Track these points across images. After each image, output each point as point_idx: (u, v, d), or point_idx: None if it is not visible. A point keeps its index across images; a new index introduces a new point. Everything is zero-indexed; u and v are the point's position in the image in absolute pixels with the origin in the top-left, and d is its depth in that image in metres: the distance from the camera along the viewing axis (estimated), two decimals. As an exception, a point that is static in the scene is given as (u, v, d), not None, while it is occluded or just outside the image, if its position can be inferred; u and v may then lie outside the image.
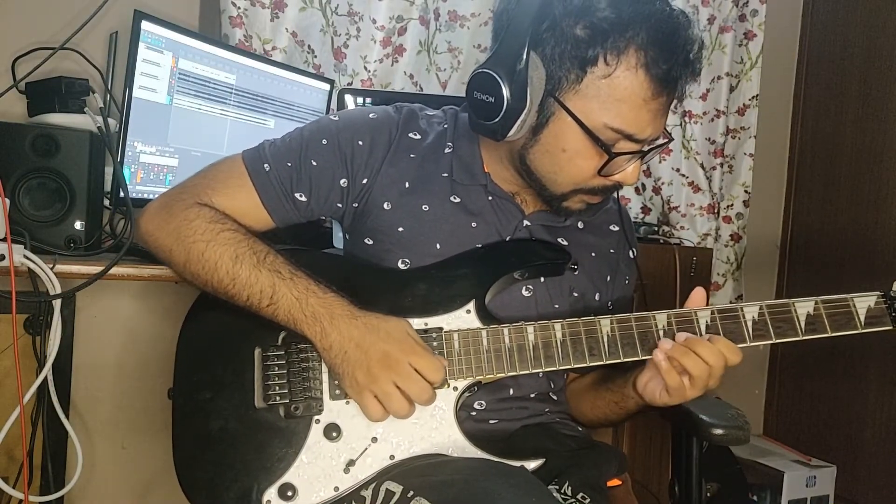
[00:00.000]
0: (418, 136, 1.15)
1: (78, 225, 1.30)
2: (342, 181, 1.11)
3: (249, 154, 1.12)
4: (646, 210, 2.53)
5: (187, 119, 1.54)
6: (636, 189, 2.51)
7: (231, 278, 1.01)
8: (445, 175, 1.13)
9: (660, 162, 2.45)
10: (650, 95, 1.00)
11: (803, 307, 1.04)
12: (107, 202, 1.43)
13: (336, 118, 1.15)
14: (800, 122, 2.75)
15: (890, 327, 1.05)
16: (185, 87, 1.52)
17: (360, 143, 1.11)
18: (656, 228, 2.35)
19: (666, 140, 1.09)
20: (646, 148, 1.05)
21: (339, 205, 1.13)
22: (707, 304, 1.05)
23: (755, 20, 2.53)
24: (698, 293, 1.05)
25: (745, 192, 2.59)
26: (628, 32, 0.98)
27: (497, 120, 1.02)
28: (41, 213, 1.27)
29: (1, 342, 1.51)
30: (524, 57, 0.99)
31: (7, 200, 1.19)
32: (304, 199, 1.11)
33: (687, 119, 2.48)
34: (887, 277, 1.06)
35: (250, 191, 1.09)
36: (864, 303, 1.04)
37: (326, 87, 1.83)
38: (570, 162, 1.05)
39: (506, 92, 1.00)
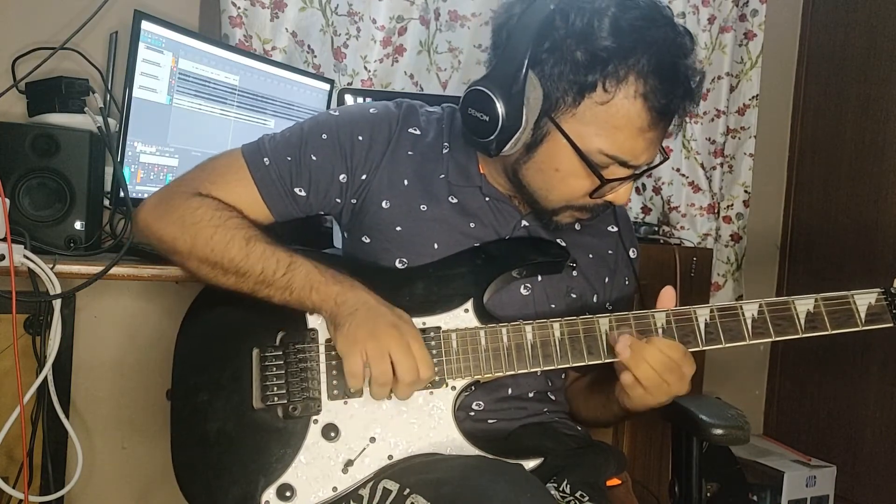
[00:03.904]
0: (418, 132, 1.14)
1: (78, 225, 1.30)
2: (341, 176, 1.11)
3: (249, 148, 1.12)
4: (646, 210, 2.53)
5: (187, 119, 1.54)
6: (636, 189, 2.51)
7: (245, 254, 1.01)
8: (442, 176, 1.13)
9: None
10: (647, 125, 0.99)
11: (803, 305, 1.04)
12: (107, 202, 1.44)
13: (336, 113, 1.15)
14: (800, 122, 2.75)
15: (891, 324, 1.04)
16: (185, 87, 1.52)
17: (360, 138, 1.11)
18: (656, 228, 2.35)
19: (660, 161, 1.09)
20: (638, 171, 1.05)
21: (338, 200, 1.13)
22: (676, 303, 1.05)
23: (755, 20, 2.53)
24: (667, 292, 1.05)
25: (745, 192, 2.59)
26: (629, 60, 0.97)
27: (491, 138, 1.02)
28: (41, 213, 1.27)
29: (1, 342, 1.51)
30: (522, 76, 0.98)
31: (7, 200, 1.19)
32: (303, 193, 1.11)
33: (687, 119, 2.46)
34: (888, 278, 1.06)
35: (249, 185, 1.09)
36: (864, 300, 1.04)
37: (326, 87, 1.83)
38: (562, 181, 1.05)
39: (501, 111, 1.00)
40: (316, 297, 1.01)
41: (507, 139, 1.01)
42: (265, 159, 1.10)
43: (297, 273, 1.01)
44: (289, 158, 1.10)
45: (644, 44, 0.97)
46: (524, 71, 0.98)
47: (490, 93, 1.00)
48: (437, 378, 1.02)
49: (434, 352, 1.03)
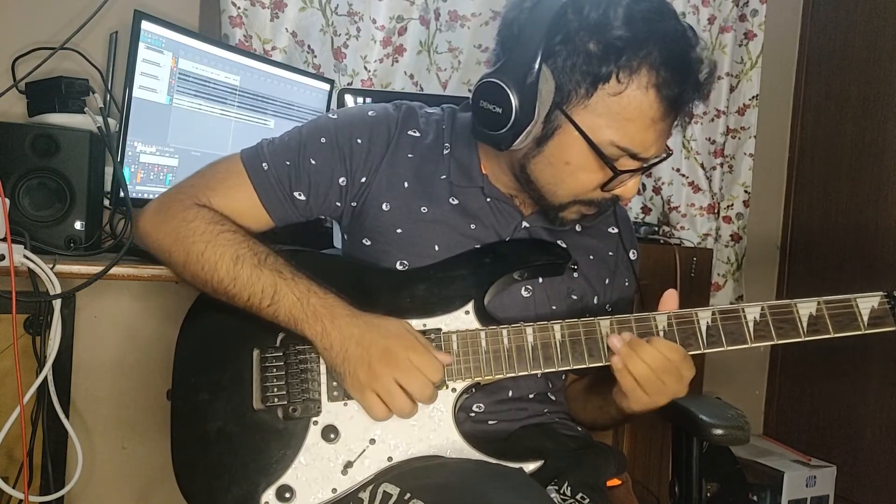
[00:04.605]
0: (417, 134, 1.14)
1: (78, 225, 1.30)
2: (341, 180, 1.11)
3: (248, 153, 1.11)
4: (646, 210, 2.53)
5: (187, 119, 1.54)
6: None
7: (232, 278, 1.01)
8: (444, 177, 1.13)
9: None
10: (659, 116, 1.00)
11: (805, 308, 1.03)
12: (107, 202, 1.44)
13: (335, 116, 1.14)
14: (800, 122, 2.75)
15: (893, 328, 1.04)
16: (185, 87, 1.52)
17: (359, 141, 1.11)
18: (656, 228, 2.35)
19: (665, 155, 1.09)
20: (646, 164, 1.05)
21: (338, 203, 1.12)
22: (677, 306, 1.05)
23: (755, 20, 2.53)
24: (670, 295, 1.05)
25: (745, 192, 2.59)
26: (642, 51, 0.97)
27: (503, 131, 1.01)
28: (41, 213, 1.27)
29: (1, 342, 1.51)
30: (536, 69, 0.98)
31: (7, 200, 1.19)
32: (302, 198, 1.10)
33: (687, 119, 2.47)
34: (888, 277, 1.06)
35: (249, 190, 1.09)
36: (867, 303, 1.04)
37: (326, 87, 1.83)
38: (572, 175, 1.05)
39: (515, 103, 0.99)
40: (301, 332, 1.01)
41: (518, 132, 1.01)
42: (264, 164, 1.09)
43: (280, 307, 1.00)
44: (287, 163, 1.09)
45: (656, 35, 0.97)
46: (537, 64, 0.98)
47: (504, 84, 1.00)
48: None
49: (436, 352, 1.03)
